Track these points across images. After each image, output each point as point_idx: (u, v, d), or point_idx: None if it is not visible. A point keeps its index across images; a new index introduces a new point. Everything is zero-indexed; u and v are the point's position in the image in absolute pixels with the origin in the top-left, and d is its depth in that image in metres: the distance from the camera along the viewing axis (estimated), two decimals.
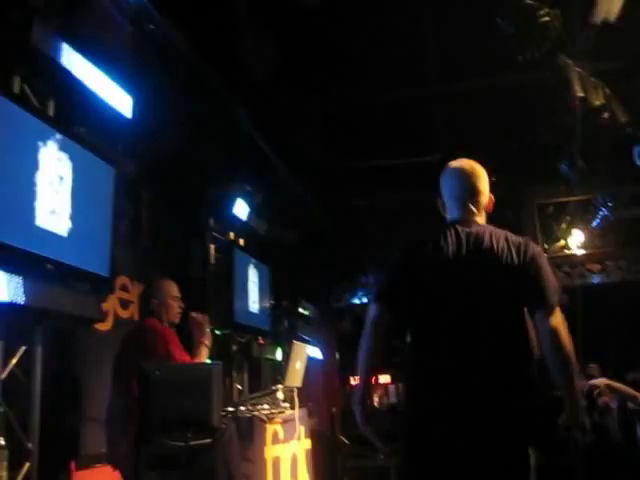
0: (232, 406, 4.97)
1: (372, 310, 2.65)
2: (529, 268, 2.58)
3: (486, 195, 2.82)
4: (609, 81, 6.23)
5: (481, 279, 2.59)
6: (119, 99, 4.82)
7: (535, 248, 2.66)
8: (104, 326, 5.06)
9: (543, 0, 4.88)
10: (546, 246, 10.47)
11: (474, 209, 2.76)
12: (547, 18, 5.01)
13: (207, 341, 4.46)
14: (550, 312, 2.53)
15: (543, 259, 2.65)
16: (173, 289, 4.53)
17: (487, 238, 2.63)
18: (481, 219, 2.77)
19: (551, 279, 2.60)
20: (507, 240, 2.64)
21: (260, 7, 5.11)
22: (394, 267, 2.75)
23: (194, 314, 4.51)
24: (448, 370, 2.51)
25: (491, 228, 2.71)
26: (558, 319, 2.53)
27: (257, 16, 5.17)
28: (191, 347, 4.43)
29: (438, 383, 2.53)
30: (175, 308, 4.47)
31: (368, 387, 2.72)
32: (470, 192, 2.79)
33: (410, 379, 2.68)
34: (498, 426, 2.45)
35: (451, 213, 2.82)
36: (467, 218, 2.74)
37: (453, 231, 2.67)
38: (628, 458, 5.79)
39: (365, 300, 11.60)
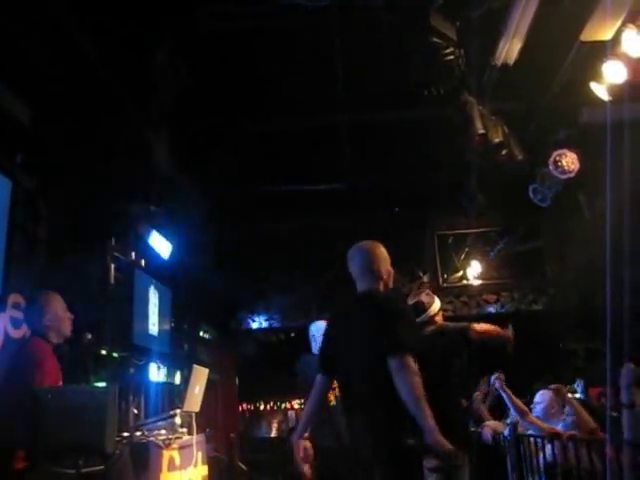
0: (127, 431, 4.83)
1: (317, 378, 3.49)
2: (381, 320, 3.14)
3: (375, 270, 3.40)
4: (507, 120, 6.53)
5: (355, 336, 3.26)
6: (17, 109, 4.67)
7: (386, 302, 3.27)
8: None
9: (449, 40, 5.07)
10: (445, 276, 10.78)
11: (365, 281, 3.40)
12: (452, 57, 5.21)
13: None
14: (395, 358, 3.01)
15: (395, 313, 3.21)
16: (62, 302, 4.33)
17: (362, 300, 3.37)
18: (373, 286, 3.38)
19: (398, 328, 3.10)
20: (369, 298, 3.32)
21: (172, 31, 5.08)
22: (323, 340, 3.60)
23: None
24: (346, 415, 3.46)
25: (368, 291, 3.36)
26: (403, 363, 3.00)
27: (169, 39, 5.14)
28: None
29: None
30: (68, 322, 4.28)
31: (305, 428, 3.60)
32: (361, 269, 3.43)
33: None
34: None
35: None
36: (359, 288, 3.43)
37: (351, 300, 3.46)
38: None
39: (265, 325, 11.55)
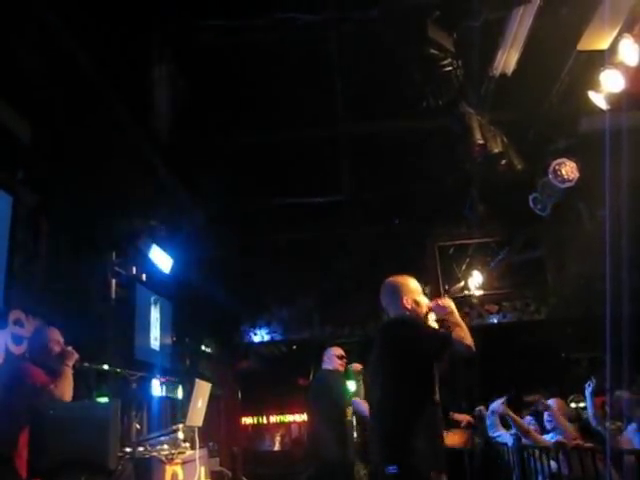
0: (130, 446, 4.81)
1: None
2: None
3: (387, 303, 3.72)
4: (506, 130, 6.54)
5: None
6: (18, 125, 4.67)
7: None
8: None
9: (447, 51, 5.09)
10: (447, 287, 10.76)
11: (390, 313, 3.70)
12: (450, 68, 5.22)
13: (70, 362, 4.33)
14: None
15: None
16: (53, 333, 4.42)
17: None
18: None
19: None
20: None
21: (169, 44, 5.09)
22: None
23: (69, 348, 4.40)
24: None
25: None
26: None
27: (168, 54, 5.15)
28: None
29: None
30: (54, 351, 4.34)
31: None
32: (385, 303, 3.74)
33: None
34: None
35: None
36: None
37: None
38: None
39: (267, 338, 11.52)
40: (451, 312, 3.53)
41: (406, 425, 3.21)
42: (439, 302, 3.62)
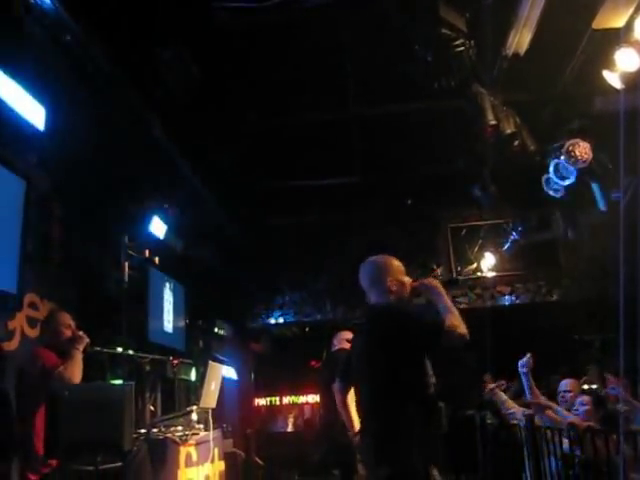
0: (144, 428, 4.86)
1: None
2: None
3: (369, 285, 3.45)
4: (519, 111, 6.48)
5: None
6: (32, 111, 4.67)
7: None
8: (10, 345, 4.87)
9: (459, 31, 5.04)
10: (459, 268, 10.74)
11: (372, 294, 3.42)
12: (462, 48, 5.17)
13: (80, 346, 4.38)
14: None
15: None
16: (64, 318, 4.46)
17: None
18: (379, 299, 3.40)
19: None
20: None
21: (182, 26, 5.07)
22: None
23: (80, 332, 4.44)
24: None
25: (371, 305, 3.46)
26: None
27: (178, 34, 5.13)
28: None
29: None
30: (65, 335, 4.40)
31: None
32: (369, 282, 3.46)
33: None
34: None
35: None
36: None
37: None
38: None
39: (280, 320, 11.55)
40: (439, 294, 3.29)
41: (399, 422, 3.04)
42: (424, 281, 3.41)
